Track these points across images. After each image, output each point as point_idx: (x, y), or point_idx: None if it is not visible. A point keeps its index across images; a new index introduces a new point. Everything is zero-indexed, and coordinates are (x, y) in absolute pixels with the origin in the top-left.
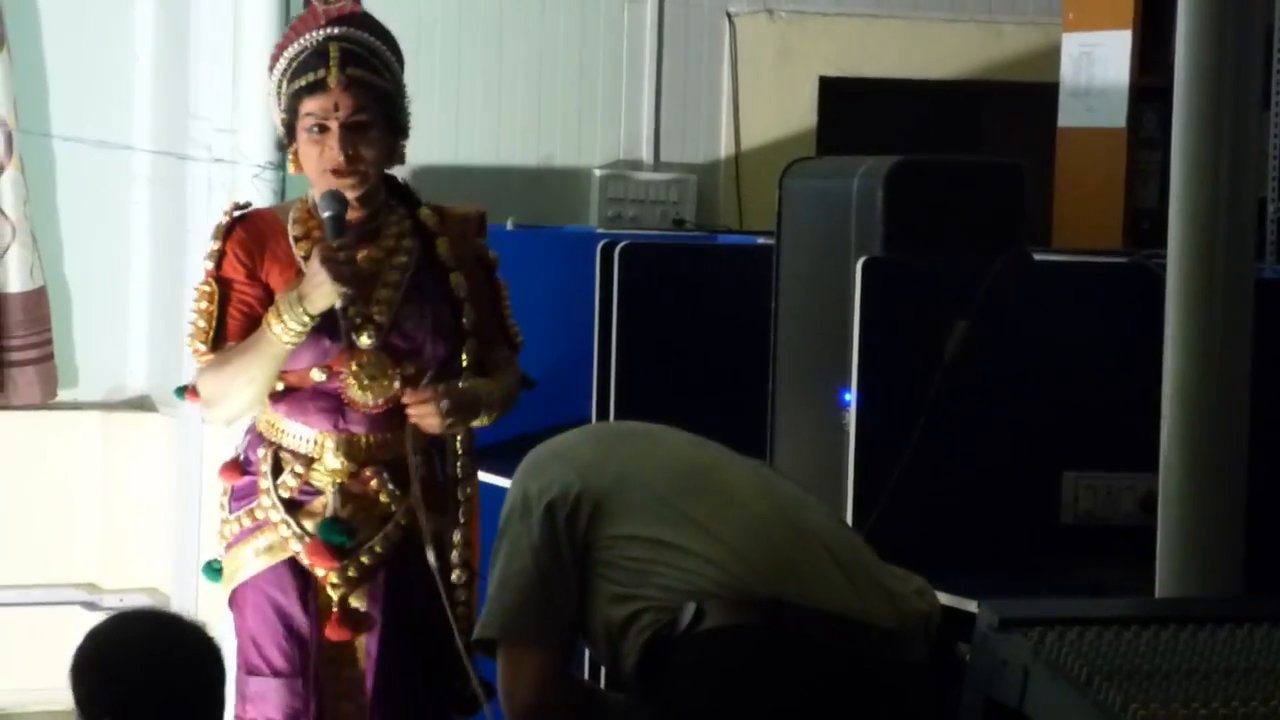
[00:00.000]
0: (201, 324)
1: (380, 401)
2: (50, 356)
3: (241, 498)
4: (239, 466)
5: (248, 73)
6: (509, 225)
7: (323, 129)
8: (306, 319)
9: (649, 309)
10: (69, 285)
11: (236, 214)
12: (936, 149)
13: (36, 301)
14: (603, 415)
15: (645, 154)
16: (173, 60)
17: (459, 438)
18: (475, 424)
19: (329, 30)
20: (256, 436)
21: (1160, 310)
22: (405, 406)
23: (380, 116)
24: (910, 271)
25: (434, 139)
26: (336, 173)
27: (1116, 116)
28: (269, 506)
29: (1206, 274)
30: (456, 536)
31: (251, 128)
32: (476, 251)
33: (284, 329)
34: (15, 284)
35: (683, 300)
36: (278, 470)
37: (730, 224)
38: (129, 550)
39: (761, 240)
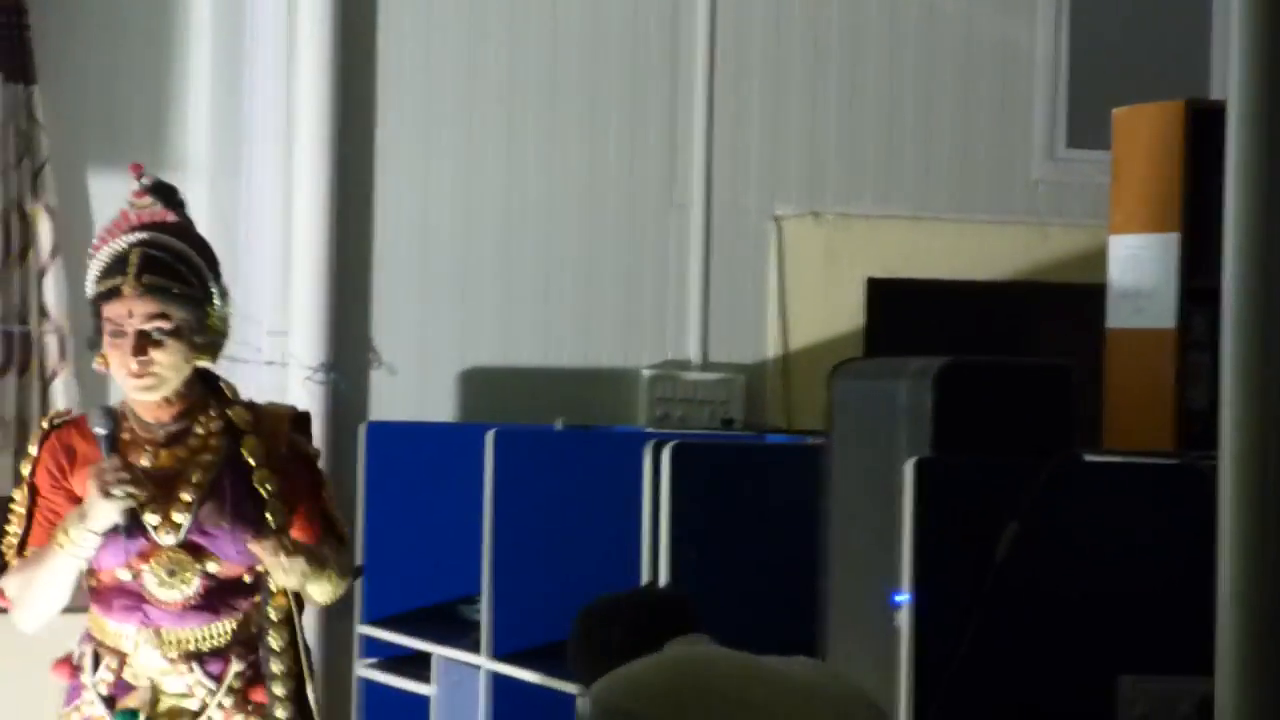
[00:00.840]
0: (12, 529)
1: (182, 598)
2: None
3: (72, 695)
4: (69, 664)
5: (299, 276)
6: (558, 425)
7: (120, 334)
8: (91, 535)
9: (698, 508)
10: None
11: (55, 421)
12: (985, 350)
13: None
14: None
15: (693, 354)
16: (225, 263)
17: (277, 638)
18: (316, 593)
19: (134, 236)
20: (85, 634)
21: (1212, 511)
22: (210, 603)
23: (181, 322)
24: (960, 472)
25: (483, 341)
26: (132, 376)
27: (1165, 318)
28: (90, 702)
29: (1259, 476)
30: None
31: (302, 330)
32: (295, 447)
33: (70, 544)
34: None
35: (732, 499)
36: (97, 667)
37: (778, 423)
38: None
39: (810, 440)
